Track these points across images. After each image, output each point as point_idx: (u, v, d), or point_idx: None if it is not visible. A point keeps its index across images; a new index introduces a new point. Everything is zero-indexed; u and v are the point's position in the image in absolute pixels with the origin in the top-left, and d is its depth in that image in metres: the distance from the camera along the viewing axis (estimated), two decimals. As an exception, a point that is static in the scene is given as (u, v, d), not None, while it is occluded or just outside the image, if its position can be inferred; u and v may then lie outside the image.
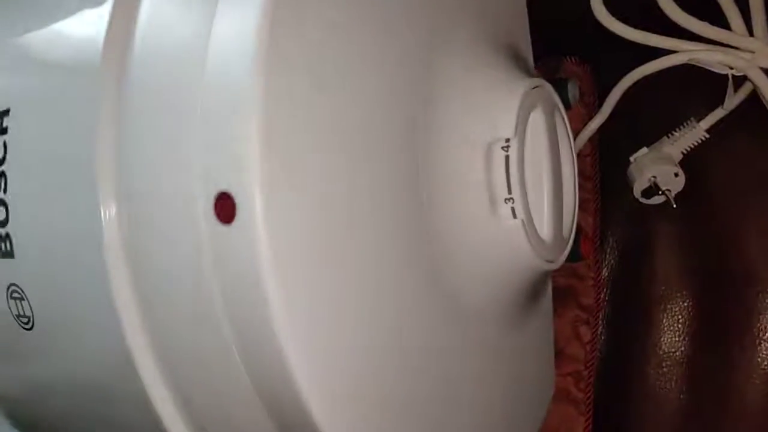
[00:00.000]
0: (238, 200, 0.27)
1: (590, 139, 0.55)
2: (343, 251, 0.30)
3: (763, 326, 0.53)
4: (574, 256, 0.41)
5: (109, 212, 0.30)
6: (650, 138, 0.54)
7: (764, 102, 0.49)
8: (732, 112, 0.51)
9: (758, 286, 0.53)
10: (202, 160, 0.28)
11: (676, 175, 0.52)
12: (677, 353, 0.55)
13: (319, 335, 0.29)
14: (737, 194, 0.54)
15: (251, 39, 0.27)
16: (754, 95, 0.50)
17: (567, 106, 0.41)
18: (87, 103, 0.31)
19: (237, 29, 0.28)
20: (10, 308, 0.34)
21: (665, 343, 0.55)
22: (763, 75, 0.48)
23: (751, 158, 0.54)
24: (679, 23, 0.48)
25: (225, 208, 0.27)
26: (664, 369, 0.55)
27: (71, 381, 0.36)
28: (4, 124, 0.34)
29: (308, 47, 0.29)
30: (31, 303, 0.34)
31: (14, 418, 0.40)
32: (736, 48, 0.48)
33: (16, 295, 0.34)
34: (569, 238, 0.40)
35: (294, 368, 0.27)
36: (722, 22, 0.49)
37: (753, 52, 0.48)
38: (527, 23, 0.46)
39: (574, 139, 0.43)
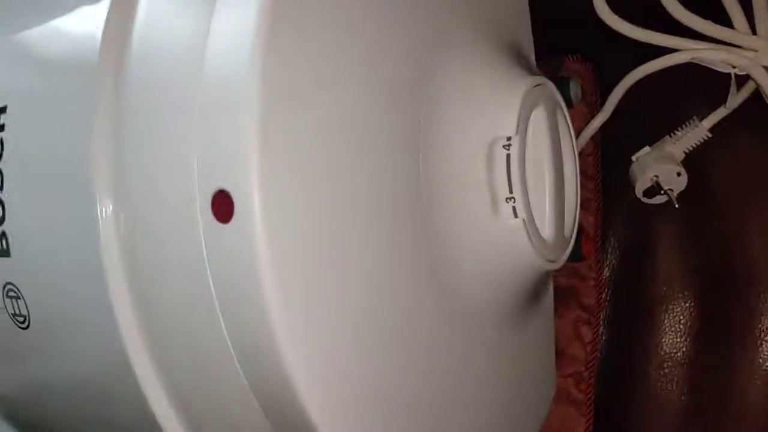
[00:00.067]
0: (236, 198, 0.26)
1: (592, 138, 0.55)
2: (342, 250, 0.29)
3: (765, 327, 0.53)
4: (575, 256, 0.41)
5: (105, 211, 0.30)
6: (652, 137, 0.54)
7: (767, 101, 0.49)
8: (735, 111, 0.51)
9: (760, 286, 0.53)
10: (200, 157, 0.28)
11: (679, 174, 0.52)
12: (679, 354, 0.55)
13: (318, 335, 0.28)
14: (740, 194, 0.54)
15: (250, 37, 0.27)
16: (757, 94, 0.50)
17: (569, 104, 0.41)
18: (84, 101, 0.31)
19: (236, 27, 0.27)
20: (5, 307, 0.34)
21: (667, 344, 0.55)
22: (766, 74, 0.48)
23: (753, 157, 0.54)
24: (682, 21, 0.48)
25: (222, 206, 0.27)
26: (666, 370, 0.55)
27: (68, 381, 0.35)
28: (1, 122, 0.33)
29: (307, 45, 0.29)
30: (27, 302, 0.34)
31: (12, 419, 0.40)
32: (739, 47, 0.48)
33: (12, 293, 0.34)
34: (571, 238, 0.40)
35: (292, 369, 0.27)
36: (725, 21, 0.49)
37: (756, 50, 0.48)
38: (529, 21, 0.46)
39: (576, 137, 0.43)
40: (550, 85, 0.38)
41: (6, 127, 0.33)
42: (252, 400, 0.29)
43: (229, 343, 0.29)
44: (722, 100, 0.51)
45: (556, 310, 0.51)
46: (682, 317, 0.55)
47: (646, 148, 0.54)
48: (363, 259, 0.30)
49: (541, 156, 0.37)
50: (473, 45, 0.37)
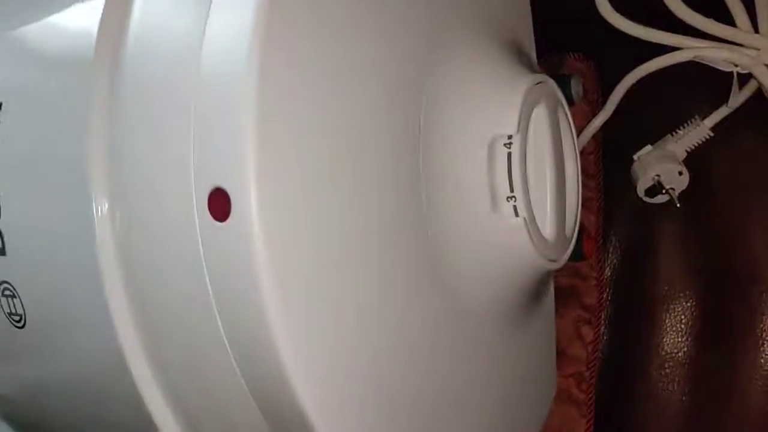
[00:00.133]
0: (233, 196, 0.26)
1: (594, 137, 0.55)
2: (341, 249, 0.29)
3: (766, 326, 0.52)
4: (576, 255, 0.41)
5: (101, 209, 0.30)
6: (654, 136, 0.54)
7: (769, 99, 0.49)
8: (737, 110, 0.51)
9: (762, 285, 0.53)
10: (196, 155, 0.27)
11: (680, 173, 0.52)
12: (680, 354, 0.55)
13: (316, 335, 0.28)
14: (742, 193, 0.54)
15: (247, 33, 0.27)
16: (759, 93, 0.50)
17: (570, 102, 0.41)
18: (79, 98, 0.30)
19: (233, 24, 0.27)
20: (1, 306, 0.34)
21: (668, 344, 0.55)
22: (768, 72, 0.48)
23: (756, 156, 0.54)
24: (684, 20, 0.48)
25: (219, 204, 0.26)
26: (667, 370, 0.55)
27: (64, 380, 0.35)
28: (-3, 119, 0.33)
29: (305, 43, 0.28)
30: (23, 301, 0.33)
31: (10, 419, 0.40)
32: (741, 45, 0.48)
33: (7, 292, 0.34)
34: (572, 237, 0.40)
35: (290, 369, 0.27)
36: (728, 19, 0.49)
37: (758, 49, 0.48)
38: (530, 18, 0.46)
39: (578, 136, 0.43)
40: (552, 83, 0.38)
41: (1, 124, 0.33)
42: (249, 400, 0.29)
43: (227, 343, 0.28)
44: (724, 99, 0.51)
45: (556, 309, 0.51)
46: (683, 317, 0.55)
47: (648, 147, 0.53)
48: (362, 258, 0.30)
49: (542, 154, 0.37)
50: (474, 43, 0.37)
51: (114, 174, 0.30)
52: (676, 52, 0.49)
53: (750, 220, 0.54)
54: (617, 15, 0.48)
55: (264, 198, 0.26)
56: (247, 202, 0.26)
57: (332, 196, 0.29)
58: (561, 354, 0.55)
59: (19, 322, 0.34)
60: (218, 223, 0.27)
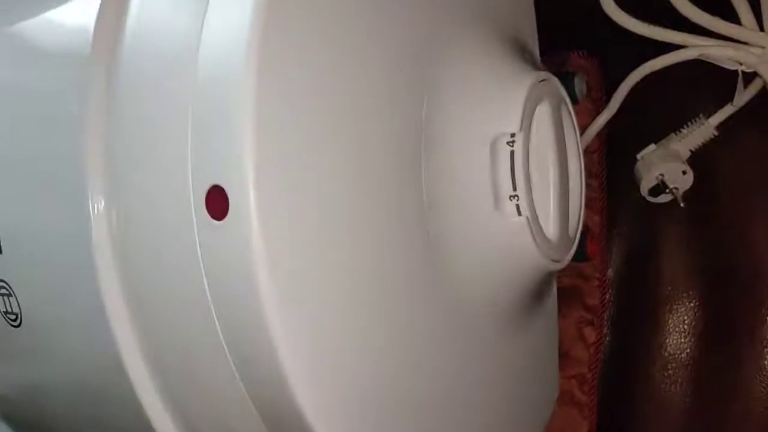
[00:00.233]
0: (231, 195, 0.26)
1: (597, 135, 0.55)
2: (340, 249, 0.29)
3: (770, 327, 0.52)
4: (580, 255, 0.41)
5: (97, 207, 0.30)
6: (658, 134, 0.54)
7: (775, 98, 0.49)
8: (742, 109, 0.51)
9: (766, 286, 0.52)
10: (194, 153, 0.27)
11: (684, 172, 0.52)
12: (683, 355, 0.54)
13: (314, 335, 0.28)
14: (746, 192, 0.54)
15: (245, 30, 0.26)
16: (765, 92, 0.50)
17: (574, 100, 0.41)
18: (76, 96, 0.30)
19: (231, 21, 0.27)
20: (-3, 305, 0.34)
21: (671, 345, 0.55)
22: (773, 71, 0.48)
23: (760, 155, 0.54)
24: (689, 17, 0.48)
25: (217, 203, 0.26)
26: (670, 371, 0.55)
27: (61, 381, 0.35)
28: (-9, 116, 0.33)
29: (303, 40, 0.28)
30: (18, 300, 0.33)
31: (9, 419, 0.40)
32: (747, 43, 0.48)
33: (3, 291, 0.34)
34: (575, 237, 0.40)
35: (289, 371, 0.27)
36: (733, 17, 0.48)
37: (763, 47, 0.48)
38: (534, 15, 0.46)
39: (581, 134, 0.43)
40: (555, 81, 0.38)
41: (-2, 121, 0.33)
42: (248, 403, 0.29)
43: (225, 346, 0.28)
44: (729, 98, 0.51)
45: (559, 310, 0.51)
46: (686, 318, 0.55)
47: (652, 146, 0.53)
48: (361, 258, 0.30)
49: (545, 153, 0.37)
50: (476, 39, 0.37)
51: (110, 172, 0.29)
52: (681, 50, 0.49)
53: (754, 220, 0.54)
54: (621, 12, 0.48)
55: (262, 196, 0.26)
56: (245, 200, 0.26)
57: (331, 194, 0.28)
58: (563, 355, 0.54)
59: (15, 321, 0.34)
60: (216, 222, 0.26)
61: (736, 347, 0.53)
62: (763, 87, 0.49)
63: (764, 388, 0.52)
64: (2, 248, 0.33)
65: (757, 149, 0.54)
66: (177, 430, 0.32)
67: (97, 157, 0.30)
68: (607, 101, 0.53)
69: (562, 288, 0.53)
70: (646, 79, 0.50)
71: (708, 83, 0.51)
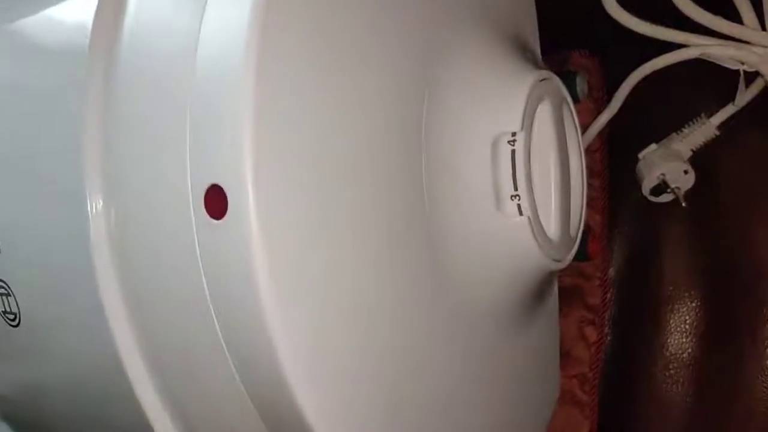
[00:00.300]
0: (230, 194, 0.26)
1: (599, 134, 0.55)
2: (340, 249, 0.29)
3: (773, 326, 0.52)
4: (581, 255, 0.40)
5: (95, 206, 0.30)
6: (659, 134, 0.53)
7: (777, 98, 0.49)
8: (743, 109, 0.51)
9: (768, 285, 0.52)
10: (192, 152, 0.27)
11: (686, 172, 0.52)
12: (685, 355, 0.54)
13: (314, 335, 0.28)
14: (748, 192, 0.54)
15: (244, 29, 0.26)
16: (766, 91, 0.50)
17: (575, 100, 0.41)
18: (74, 94, 0.30)
19: (229, 19, 0.27)
20: (-4, 304, 0.34)
21: (672, 345, 0.55)
22: (776, 70, 0.48)
23: (762, 155, 0.54)
24: (690, 17, 0.48)
25: (216, 202, 0.26)
26: (671, 371, 0.54)
27: (60, 381, 0.35)
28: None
29: (303, 38, 0.28)
30: (17, 299, 0.33)
31: (9, 419, 0.40)
32: (749, 43, 0.48)
33: (2, 290, 0.34)
34: (577, 237, 0.40)
35: (288, 371, 0.27)
36: (735, 17, 0.48)
37: (766, 47, 0.48)
38: (535, 14, 0.46)
39: (582, 134, 0.43)
40: (556, 80, 0.38)
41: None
42: (248, 403, 0.29)
43: (224, 345, 0.28)
44: (731, 97, 0.50)
45: (560, 309, 0.51)
46: (688, 317, 0.54)
47: (653, 146, 0.53)
48: (361, 258, 0.30)
49: (546, 152, 0.36)
50: (477, 39, 0.37)
51: (109, 171, 0.29)
52: (683, 50, 0.49)
53: (756, 219, 0.53)
54: (623, 11, 0.48)
55: (261, 195, 0.26)
56: (244, 199, 0.25)
57: (331, 193, 0.28)
58: (565, 355, 0.54)
59: (13, 320, 0.34)
60: (215, 221, 0.26)
61: (737, 347, 0.53)
62: (765, 86, 0.49)
63: (766, 388, 0.52)
64: (0, 247, 0.33)
65: (758, 149, 0.53)
66: (176, 429, 0.31)
67: (96, 156, 0.29)
68: (609, 100, 0.53)
69: (564, 287, 0.53)
70: (647, 79, 0.50)
71: (710, 83, 0.51)
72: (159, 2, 0.29)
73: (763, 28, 0.48)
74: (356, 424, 0.30)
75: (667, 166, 0.52)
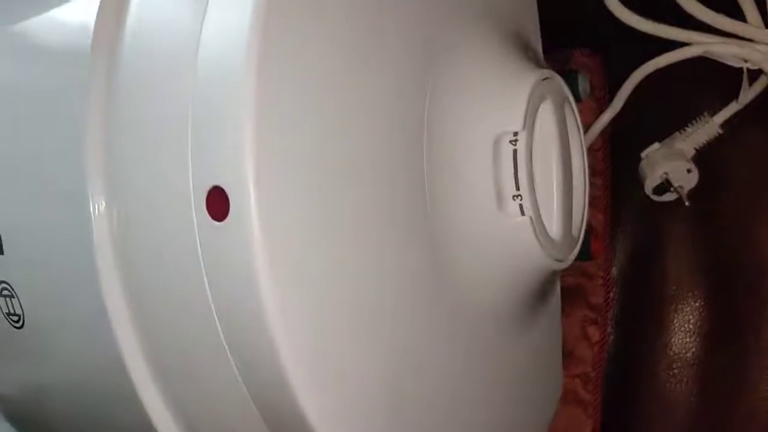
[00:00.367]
0: (231, 195, 0.26)
1: (601, 134, 0.55)
2: (342, 250, 0.29)
3: (776, 326, 0.52)
4: (584, 254, 0.40)
5: (98, 207, 0.30)
6: (662, 133, 0.53)
7: (780, 96, 0.49)
8: (747, 107, 0.51)
9: (771, 284, 0.52)
10: (194, 154, 0.27)
11: (689, 171, 0.52)
12: (688, 354, 0.54)
13: (317, 337, 0.28)
14: (751, 191, 0.54)
15: (245, 31, 0.26)
16: (770, 89, 0.49)
17: (577, 99, 0.41)
18: (76, 95, 0.30)
19: (231, 20, 0.27)
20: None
21: (676, 344, 0.55)
22: (779, 68, 0.48)
23: (766, 153, 0.54)
24: (693, 15, 0.48)
25: (217, 204, 0.26)
26: (675, 370, 0.54)
27: (63, 382, 0.35)
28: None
29: (304, 39, 0.28)
30: (21, 301, 0.33)
31: (12, 420, 0.40)
32: (752, 40, 0.48)
33: (5, 292, 0.34)
34: (579, 236, 0.40)
35: (290, 372, 0.27)
36: (738, 14, 0.48)
37: (769, 44, 0.48)
38: (536, 13, 0.46)
39: (585, 133, 0.43)
40: (558, 79, 0.38)
41: (-2, 121, 0.33)
42: (250, 404, 0.29)
43: (226, 347, 0.28)
44: (734, 95, 0.50)
45: (563, 309, 0.51)
46: (691, 317, 0.54)
47: (656, 145, 0.53)
48: (363, 259, 0.30)
49: (548, 152, 0.36)
50: (479, 37, 0.37)
51: (111, 172, 0.29)
52: (685, 48, 0.49)
53: (759, 218, 0.53)
54: (625, 9, 0.48)
55: (263, 197, 0.25)
56: (245, 200, 0.25)
57: (332, 194, 0.28)
58: (567, 354, 0.54)
59: (17, 322, 0.34)
60: (217, 223, 0.26)
61: (741, 346, 0.53)
62: (769, 84, 0.49)
63: (769, 387, 0.52)
64: (4, 249, 0.33)
65: (762, 147, 0.53)
66: (178, 430, 0.31)
67: (98, 157, 0.29)
68: (611, 99, 0.53)
69: (566, 287, 0.53)
70: (650, 77, 0.50)
71: (713, 81, 0.51)
72: (161, 3, 0.29)
73: (766, 26, 0.48)
74: (358, 424, 0.30)
75: (670, 164, 0.52)
